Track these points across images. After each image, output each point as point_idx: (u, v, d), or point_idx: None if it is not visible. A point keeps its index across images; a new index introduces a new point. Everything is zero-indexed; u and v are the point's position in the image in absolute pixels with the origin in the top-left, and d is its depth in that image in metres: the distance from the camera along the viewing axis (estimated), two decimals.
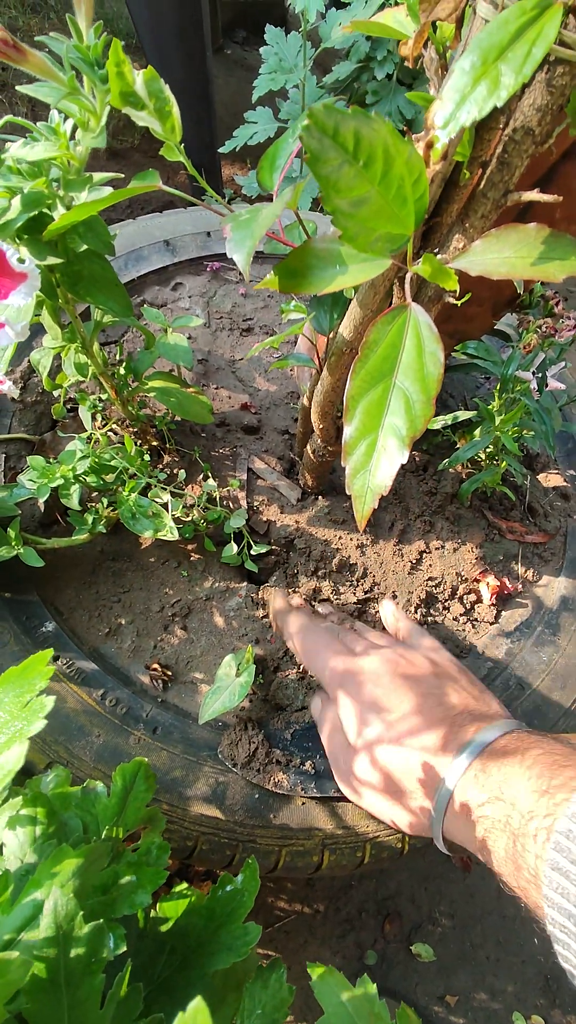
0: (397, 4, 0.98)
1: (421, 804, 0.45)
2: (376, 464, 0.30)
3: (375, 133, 0.25)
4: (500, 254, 0.32)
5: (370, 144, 0.25)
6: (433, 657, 0.55)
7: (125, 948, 0.26)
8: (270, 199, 0.45)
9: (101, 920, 0.25)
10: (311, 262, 0.34)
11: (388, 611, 0.65)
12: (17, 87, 0.44)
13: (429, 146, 0.31)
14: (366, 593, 0.69)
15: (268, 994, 0.34)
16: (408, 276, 0.34)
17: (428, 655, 0.55)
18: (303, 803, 0.57)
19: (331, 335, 0.51)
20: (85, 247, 0.50)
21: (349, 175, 0.25)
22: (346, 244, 0.28)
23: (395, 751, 0.47)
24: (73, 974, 0.24)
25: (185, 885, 0.36)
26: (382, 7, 0.93)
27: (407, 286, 0.34)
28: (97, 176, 0.47)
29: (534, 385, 0.61)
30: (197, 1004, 0.26)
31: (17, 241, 0.47)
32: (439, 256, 0.38)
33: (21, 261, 0.40)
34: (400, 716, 0.48)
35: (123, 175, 0.48)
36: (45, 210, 0.47)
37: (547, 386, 0.61)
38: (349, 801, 0.58)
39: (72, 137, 0.46)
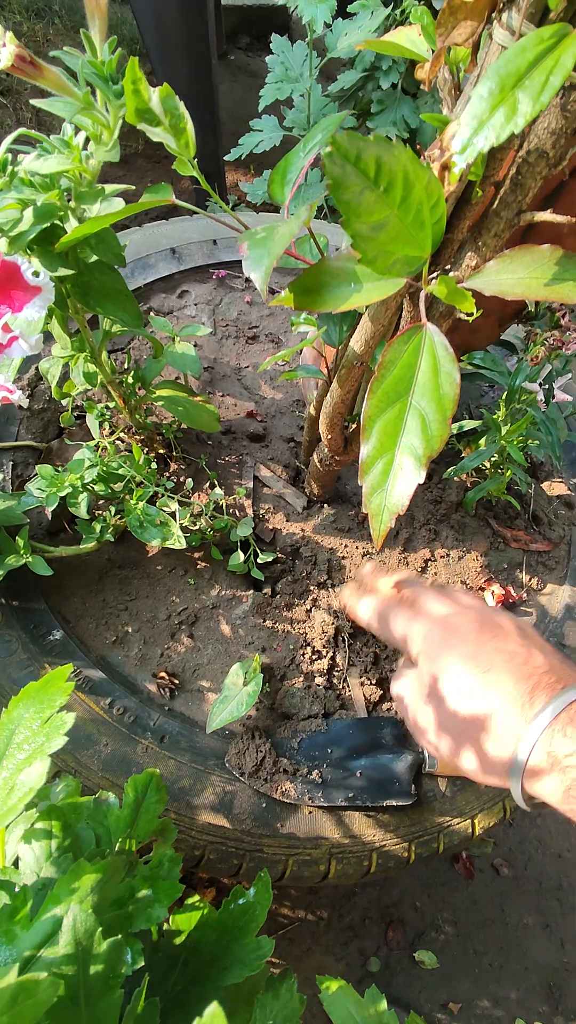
0: (403, 13, 0.98)
1: (506, 758, 0.45)
2: (393, 483, 0.30)
3: (395, 159, 0.25)
4: (514, 274, 0.32)
5: (391, 170, 0.25)
6: (516, 620, 0.55)
7: (143, 963, 0.26)
8: (276, 207, 0.45)
9: (120, 936, 0.25)
10: (326, 280, 0.34)
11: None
12: (32, 101, 0.44)
13: (445, 168, 0.31)
14: None
15: (279, 1004, 0.34)
16: (422, 294, 0.34)
17: (511, 618, 0.55)
18: (310, 812, 0.57)
19: (340, 348, 0.51)
20: (96, 258, 0.51)
21: (370, 200, 0.26)
22: (365, 266, 0.29)
23: (480, 704, 0.47)
24: (92, 991, 0.24)
25: (197, 897, 0.37)
26: (388, 18, 0.94)
27: (421, 305, 0.34)
28: (109, 188, 0.47)
29: (541, 396, 0.61)
30: (213, 1010, 0.26)
31: (29, 252, 0.48)
32: (452, 273, 0.38)
33: (36, 275, 0.40)
34: (486, 670, 0.48)
35: (133, 187, 0.49)
36: (57, 222, 0.47)
37: (554, 397, 0.61)
38: (355, 810, 0.58)
39: (84, 149, 0.47)
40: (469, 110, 0.27)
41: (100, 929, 0.25)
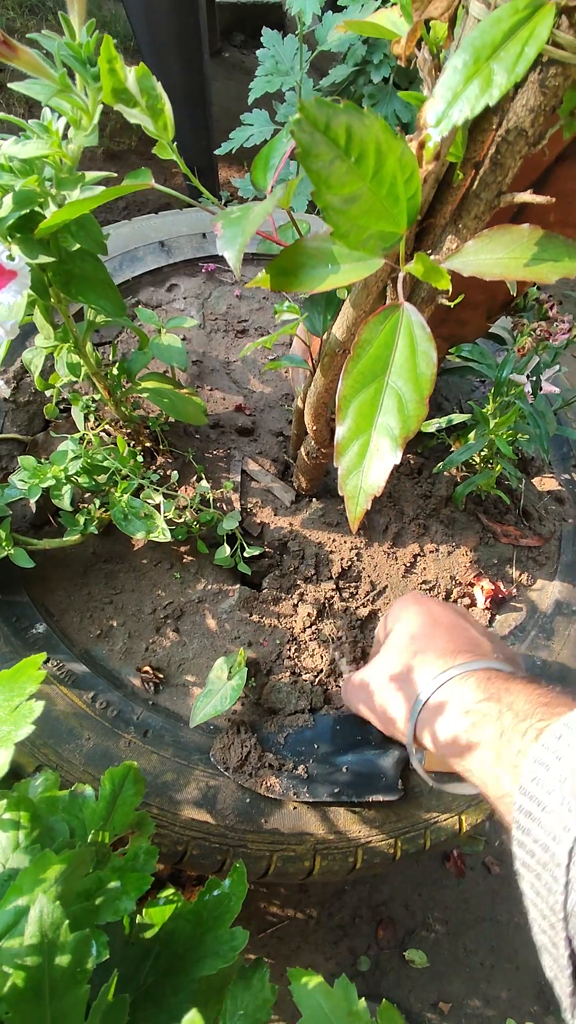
0: (394, 6, 0.98)
1: (412, 692, 0.47)
2: (369, 465, 0.29)
3: (367, 129, 0.25)
4: (493, 255, 0.32)
5: (362, 140, 0.25)
6: (458, 608, 0.57)
7: (108, 956, 0.25)
8: (262, 191, 0.44)
9: (87, 930, 0.24)
10: (303, 260, 0.33)
11: None
12: (9, 84, 0.44)
13: (422, 145, 0.31)
14: (366, 596, 0.69)
15: (250, 994, 0.33)
16: (401, 276, 0.34)
17: (456, 610, 0.56)
18: (295, 808, 0.57)
19: (324, 336, 0.50)
20: (77, 246, 0.50)
21: (341, 171, 0.25)
22: (338, 242, 0.28)
23: (407, 664, 0.49)
24: (57, 984, 0.24)
25: (172, 890, 0.36)
26: (378, 10, 0.93)
27: (400, 286, 0.33)
28: (89, 175, 0.47)
29: (528, 389, 0.61)
30: (192, 1017, 0.26)
31: (9, 239, 0.47)
32: (432, 257, 0.37)
33: (11, 259, 0.39)
34: (415, 647, 0.50)
35: (115, 174, 0.48)
36: (37, 208, 0.47)
37: (541, 390, 0.61)
38: (340, 806, 0.57)
39: (65, 135, 0.46)
40: (443, 82, 0.26)
41: (67, 921, 0.24)
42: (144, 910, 0.34)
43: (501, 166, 0.33)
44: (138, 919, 0.34)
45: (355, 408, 0.30)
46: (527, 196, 0.34)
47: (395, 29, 0.39)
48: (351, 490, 0.30)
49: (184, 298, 0.88)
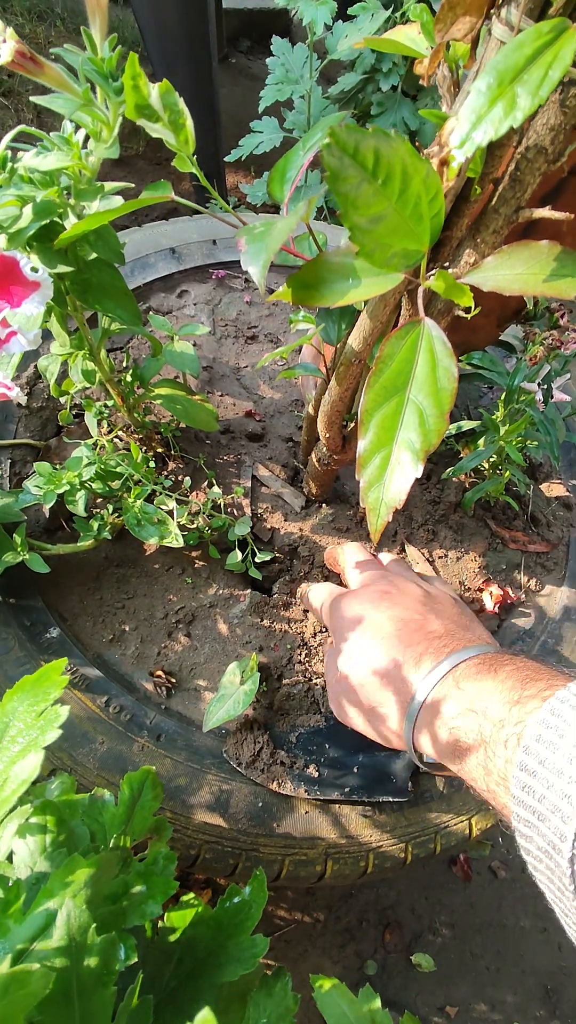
0: (403, 16, 0.99)
1: (397, 721, 0.47)
2: (390, 478, 0.30)
3: (394, 152, 0.25)
4: (512, 270, 0.32)
5: (389, 163, 0.25)
6: (426, 586, 0.56)
7: (136, 959, 0.26)
8: (275, 207, 0.45)
9: (114, 932, 0.25)
10: (324, 275, 0.34)
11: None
12: (32, 98, 0.44)
13: (443, 163, 0.31)
14: None
15: (273, 1003, 0.34)
16: (420, 290, 0.34)
17: (422, 583, 0.56)
18: (306, 812, 0.57)
19: (339, 345, 0.51)
20: (95, 256, 0.51)
21: (368, 193, 0.26)
22: (361, 259, 0.29)
23: (373, 672, 0.48)
24: (85, 986, 0.24)
25: (192, 895, 0.36)
26: (388, 20, 0.94)
27: (419, 300, 0.34)
28: (108, 186, 0.47)
29: (539, 396, 0.61)
30: (205, 1015, 0.26)
31: (28, 249, 0.48)
32: (451, 271, 0.38)
33: (35, 270, 0.40)
34: (380, 638, 0.49)
35: (132, 185, 0.49)
36: (56, 219, 0.47)
37: (552, 397, 0.61)
38: (350, 804, 0.58)
39: (84, 147, 0.47)
40: (467, 104, 0.27)
41: (94, 924, 0.25)
42: (166, 914, 0.35)
43: (520, 182, 0.34)
44: (159, 924, 0.34)
45: (377, 422, 0.31)
46: (546, 212, 0.34)
47: (412, 46, 0.39)
48: (372, 502, 0.31)
49: (194, 304, 0.88)
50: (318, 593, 0.62)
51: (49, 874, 0.27)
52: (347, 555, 0.62)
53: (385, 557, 0.63)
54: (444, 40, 0.32)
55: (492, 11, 0.30)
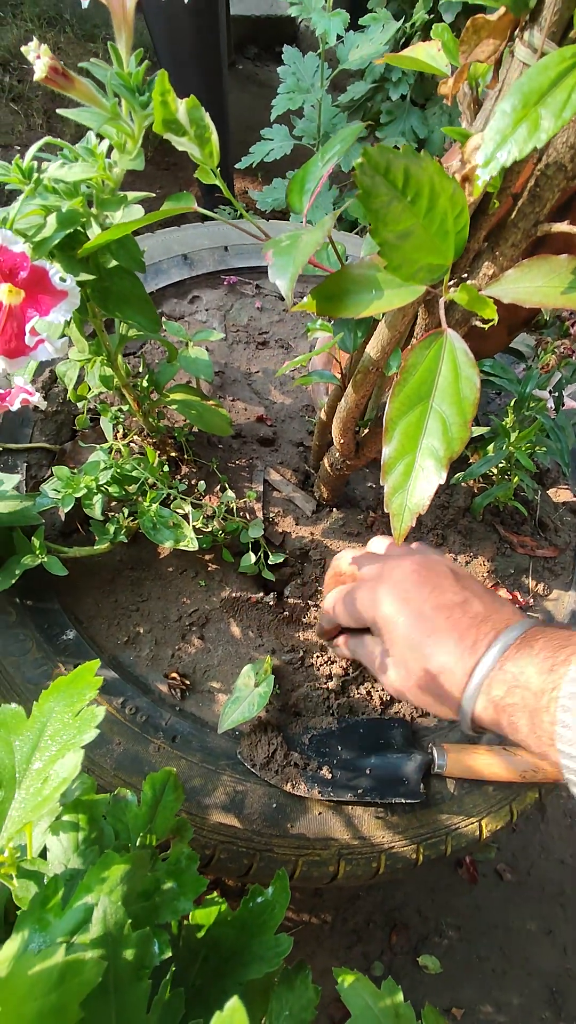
0: (413, 26, 1.00)
1: (453, 703, 0.49)
2: (414, 484, 0.31)
3: (423, 171, 0.26)
4: (532, 283, 0.33)
5: (418, 181, 0.26)
6: (450, 564, 0.56)
7: (170, 953, 0.27)
8: (283, 214, 0.46)
9: (148, 927, 0.26)
10: (348, 287, 0.35)
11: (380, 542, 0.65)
12: (60, 111, 0.45)
13: (466, 180, 0.32)
14: None
15: (295, 996, 0.34)
16: (441, 301, 0.35)
17: (448, 565, 0.56)
18: (320, 813, 0.58)
19: (355, 353, 0.52)
20: (115, 263, 0.52)
21: (397, 210, 0.27)
22: (387, 272, 0.29)
23: (430, 658, 0.50)
24: (121, 979, 0.25)
25: (215, 893, 0.37)
26: (399, 31, 0.95)
27: (440, 311, 0.35)
28: (131, 195, 0.48)
29: (551, 403, 0.62)
30: (234, 1004, 0.27)
31: (51, 257, 0.49)
32: (470, 282, 0.39)
33: (63, 280, 0.41)
34: (432, 632, 0.50)
35: (153, 194, 0.50)
36: (79, 228, 0.48)
37: (564, 405, 0.62)
38: (362, 806, 0.58)
39: (107, 157, 0.48)
40: (493, 125, 0.28)
41: (129, 920, 0.26)
42: (191, 913, 0.35)
43: (539, 198, 0.35)
44: (185, 922, 0.35)
45: (401, 429, 0.31)
46: (564, 227, 0.35)
47: (432, 63, 0.40)
48: (396, 508, 0.32)
49: (206, 310, 0.89)
50: (332, 599, 0.61)
51: (83, 870, 0.28)
52: (344, 558, 0.61)
53: (378, 543, 0.62)
54: (469, 61, 0.32)
55: (515, 34, 0.31)
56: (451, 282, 0.36)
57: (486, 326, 0.42)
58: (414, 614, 0.52)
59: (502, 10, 0.30)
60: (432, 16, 0.92)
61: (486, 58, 0.32)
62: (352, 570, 0.60)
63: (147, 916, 0.29)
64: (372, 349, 0.46)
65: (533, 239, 0.40)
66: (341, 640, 0.60)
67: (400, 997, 0.33)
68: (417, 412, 0.31)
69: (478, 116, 0.36)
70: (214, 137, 0.40)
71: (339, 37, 0.91)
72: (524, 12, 0.30)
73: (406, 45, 1.05)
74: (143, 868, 0.28)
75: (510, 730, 0.45)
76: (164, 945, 0.27)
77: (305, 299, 0.37)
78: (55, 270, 0.40)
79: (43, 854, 0.31)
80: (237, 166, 1.15)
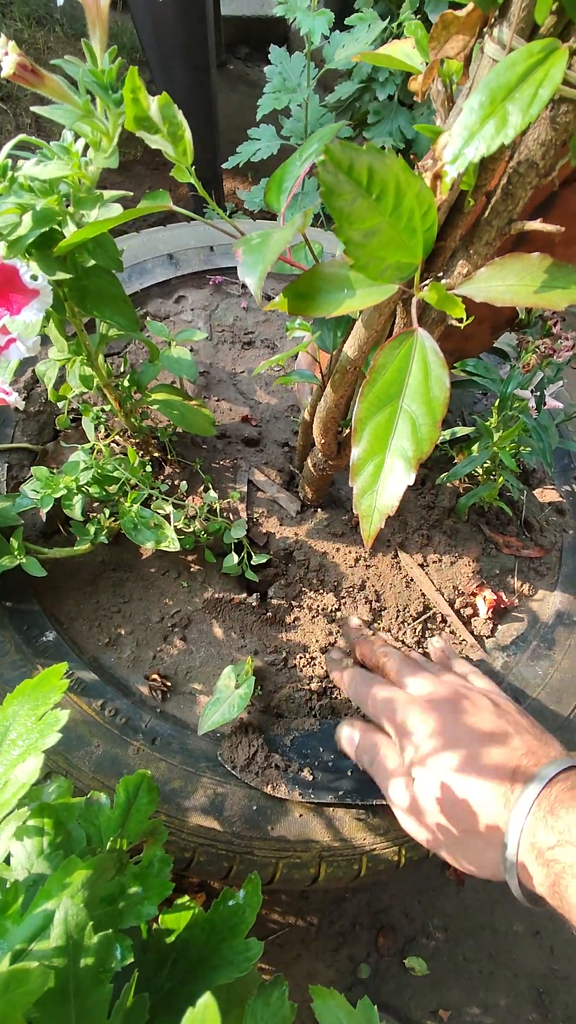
0: (400, 26, 1.00)
1: (488, 848, 0.44)
2: (383, 485, 0.31)
3: (387, 168, 0.26)
4: (504, 282, 0.33)
5: (382, 179, 0.26)
6: (494, 697, 0.53)
7: (132, 959, 0.26)
8: (272, 214, 0.46)
9: (110, 931, 0.25)
10: (320, 286, 0.35)
11: (439, 645, 0.65)
12: (33, 108, 0.45)
13: (437, 177, 0.32)
14: (370, 606, 0.70)
15: (270, 1011, 0.34)
16: (414, 301, 0.35)
17: (488, 695, 0.54)
18: (300, 815, 0.57)
19: (335, 352, 0.52)
20: (93, 263, 0.51)
21: (362, 208, 0.26)
22: (356, 271, 0.29)
23: (460, 793, 0.45)
24: (82, 984, 0.25)
25: (187, 898, 0.37)
26: (385, 30, 0.95)
27: (413, 311, 0.34)
28: (107, 194, 0.48)
29: (532, 403, 0.62)
30: (207, 1000, 0.26)
31: (27, 256, 0.48)
32: (444, 280, 0.39)
33: (34, 278, 0.40)
34: (464, 757, 0.46)
35: (131, 193, 0.49)
36: (55, 227, 0.48)
37: (545, 404, 0.62)
38: (345, 807, 0.58)
39: (83, 155, 0.47)
40: (460, 121, 0.28)
41: (91, 923, 0.25)
42: (161, 917, 0.35)
43: (512, 196, 0.35)
44: (154, 926, 0.34)
45: (370, 430, 0.31)
46: (537, 224, 0.35)
47: (408, 61, 0.40)
48: (366, 509, 0.31)
49: (192, 310, 0.89)
50: (346, 678, 0.59)
51: (46, 876, 0.28)
52: (390, 655, 0.59)
53: (435, 666, 0.60)
54: (438, 57, 0.32)
55: (485, 30, 0.30)
56: (425, 281, 0.35)
57: (461, 325, 0.42)
58: (449, 739, 0.48)
59: (471, 6, 0.30)
60: (419, 16, 0.92)
61: (456, 54, 0.32)
62: (383, 661, 0.58)
63: (111, 921, 0.28)
64: (350, 349, 0.46)
65: (511, 238, 0.40)
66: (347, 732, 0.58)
67: (375, 1016, 0.33)
68: (387, 412, 0.31)
69: (451, 113, 0.36)
70: (187, 135, 0.40)
71: (325, 37, 0.91)
72: (493, 8, 0.29)
73: None
74: (107, 872, 0.28)
75: (550, 891, 0.38)
76: (127, 950, 0.26)
77: (278, 298, 0.36)
78: (26, 268, 0.40)
79: (7, 860, 0.31)
80: (224, 166, 1.15)
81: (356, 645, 0.64)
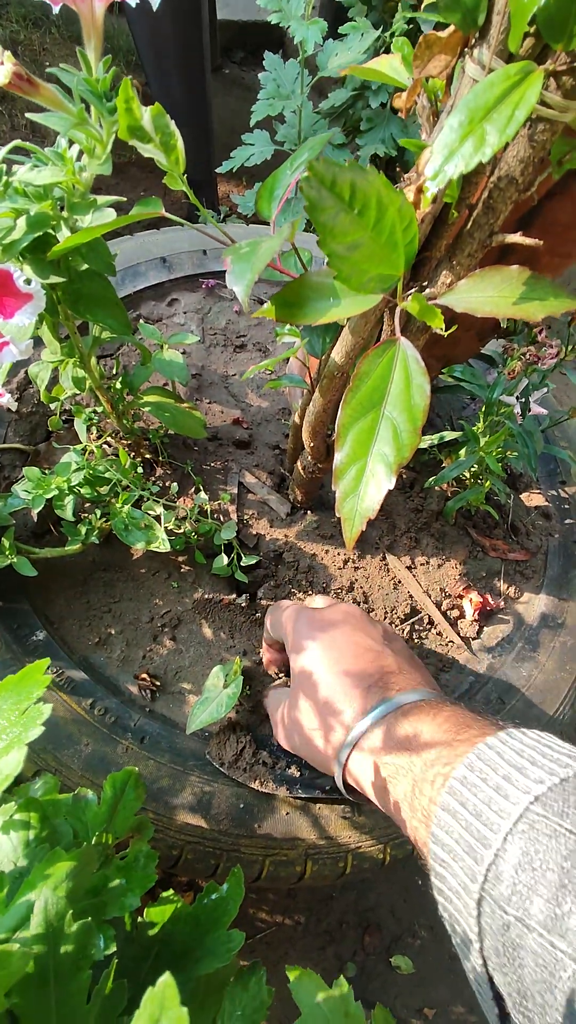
0: (393, 36, 1.01)
1: (334, 745, 0.48)
2: (365, 489, 0.31)
3: (369, 184, 0.27)
4: (484, 293, 0.34)
5: (365, 194, 0.27)
6: (386, 627, 0.57)
7: (115, 948, 0.27)
8: (266, 220, 0.47)
9: (88, 918, 0.26)
10: (307, 294, 0.35)
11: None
12: (28, 115, 0.45)
13: (419, 191, 0.33)
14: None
15: (248, 996, 0.35)
16: (397, 311, 0.36)
17: (382, 625, 0.57)
18: (287, 813, 0.58)
19: (323, 358, 0.53)
20: (86, 266, 0.52)
21: (345, 222, 0.27)
22: (339, 282, 0.30)
23: (321, 688, 0.50)
24: (62, 970, 0.25)
25: (171, 892, 0.37)
26: (378, 39, 0.97)
27: (396, 320, 0.35)
28: (101, 199, 0.49)
29: (518, 409, 0.63)
30: (166, 979, 0.26)
31: (21, 260, 0.49)
32: (428, 290, 0.40)
33: (27, 282, 0.41)
34: (338, 659, 0.51)
35: (125, 199, 0.50)
36: (49, 231, 0.49)
37: (530, 411, 0.63)
38: (332, 803, 0.59)
39: (78, 161, 0.48)
40: (440, 139, 0.29)
41: (71, 912, 0.26)
42: (145, 910, 0.36)
43: (493, 210, 0.36)
44: (139, 919, 0.35)
45: (353, 435, 0.32)
46: (517, 238, 0.36)
47: (395, 75, 0.41)
48: (348, 512, 0.32)
49: (184, 313, 0.90)
50: (284, 610, 0.61)
51: (31, 868, 0.28)
52: (287, 609, 0.62)
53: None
54: (421, 75, 0.33)
55: (466, 50, 0.31)
56: (409, 291, 0.36)
57: (445, 334, 0.43)
58: (327, 642, 0.52)
59: (452, 27, 0.31)
60: (411, 26, 0.93)
61: (438, 73, 0.33)
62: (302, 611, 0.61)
63: (94, 912, 0.29)
64: (337, 355, 0.47)
65: (495, 250, 0.41)
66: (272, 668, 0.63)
67: (351, 996, 0.34)
68: (369, 419, 0.32)
69: (435, 129, 0.37)
70: (180, 144, 0.41)
71: (319, 45, 0.92)
72: (473, 30, 0.30)
73: (386, 54, 1.06)
74: (91, 865, 0.29)
75: (382, 790, 0.42)
76: (109, 940, 0.27)
77: (266, 305, 0.37)
78: (19, 272, 0.41)
79: None
80: (219, 170, 1.16)
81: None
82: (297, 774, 0.59)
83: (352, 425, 0.32)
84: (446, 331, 0.43)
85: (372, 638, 0.53)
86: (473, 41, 0.31)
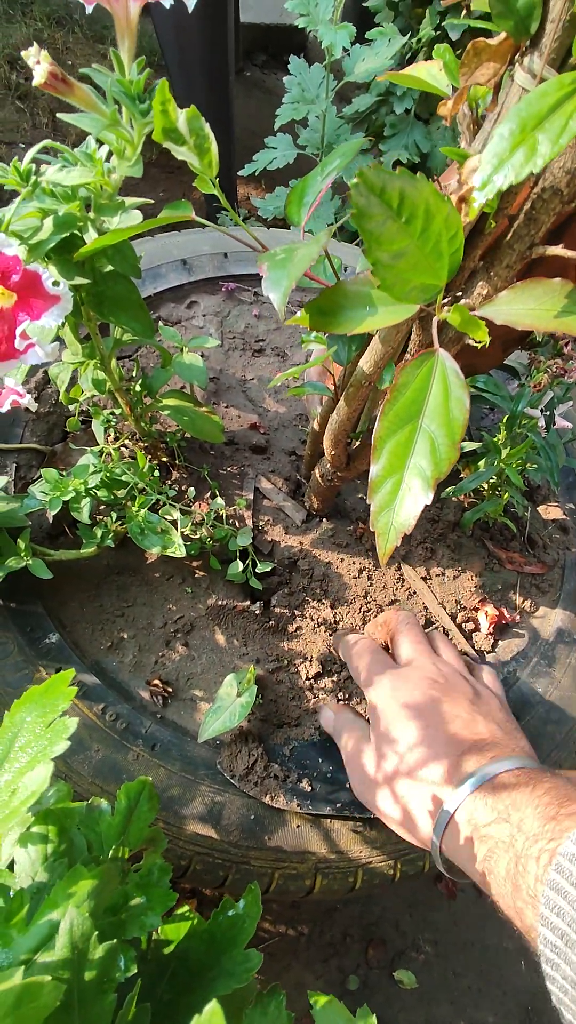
0: (419, 41, 1.00)
1: (428, 820, 0.45)
2: (401, 503, 0.31)
3: (418, 192, 0.26)
4: (525, 305, 0.33)
5: (413, 202, 0.26)
6: (473, 682, 0.55)
7: (136, 970, 0.26)
8: (285, 222, 0.46)
9: (115, 941, 0.25)
10: (342, 303, 0.35)
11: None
12: (59, 115, 0.45)
13: (462, 200, 0.32)
14: (374, 617, 0.70)
15: (267, 1021, 0.34)
16: (434, 321, 0.35)
17: (468, 678, 0.55)
18: (298, 826, 0.57)
19: (348, 366, 0.52)
20: (111, 268, 0.51)
21: (392, 230, 0.27)
22: (382, 291, 0.29)
23: (412, 763, 0.47)
24: (86, 995, 0.25)
25: (186, 908, 0.37)
26: (405, 45, 0.96)
27: (434, 330, 0.35)
28: (129, 201, 0.48)
29: (542, 422, 0.62)
30: (213, 1007, 0.26)
31: (46, 260, 0.49)
32: (464, 301, 0.39)
33: (56, 284, 0.40)
34: (426, 728, 0.49)
35: (151, 201, 0.50)
36: (76, 232, 0.48)
37: (555, 424, 0.63)
38: (343, 819, 0.58)
39: (106, 162, 0.47)
40: (490, 149, 0.28)
41: (96, 934, 0.25)
42: (161, 927, 0.35)
43: (535, 221, 0.35)
44: (154, 935, 0.34)
45: (389, 448, 0.31)
46: (559, 250, 0.35)
47: (433, 83, 0.41)
48: (382, 527, 0.32)
49: (203, 315, 0.89)
50: (361, 650, 0.60)
51: (50, 884, 0.27)
52: (402, 624, 0.62)
53: (443, 648, 0.62)
54: (468, 84, 0.33)
55: (515, 59, 0.31)
56: (445, 300, 0.36)
57: (479, 346, 0.42)
58: (414, 708, 0.49)
59: (503, 35, 0.30)
60: (438, 33, 0.93)
61: (486, 81, 0.32)
62: (399, 646, 0.60)
63: (114, 931, 0.28)
64: (365, 363, 0.46)
65: (527, 261, 0.40)
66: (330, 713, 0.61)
67: (374, 1022, 0.33)
68: (406, 431, 0.31)
69: (477, 137, 0.36)
70: (214, 147, 0.40)
71: (345, 50, 0.91)
72: (524, 38, 0.30)
73: (412, 60, 1.06)
74: (112, 882, 0.28)
75: (479, 867, 0.39)
76: (130, 961, 0.26)
77: (299, 312, 0.37)
78: (48, 274, 0.40)
79: (11, 866, 0.30)
80: (240, 173, 1.15)
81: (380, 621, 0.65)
82: (309, 788, 0.58)
83: (389, 438, 0.31)
84: (480, 344, 0.42)
85: (461, 706, 0.50)
86: (524, 49, 0.30)
